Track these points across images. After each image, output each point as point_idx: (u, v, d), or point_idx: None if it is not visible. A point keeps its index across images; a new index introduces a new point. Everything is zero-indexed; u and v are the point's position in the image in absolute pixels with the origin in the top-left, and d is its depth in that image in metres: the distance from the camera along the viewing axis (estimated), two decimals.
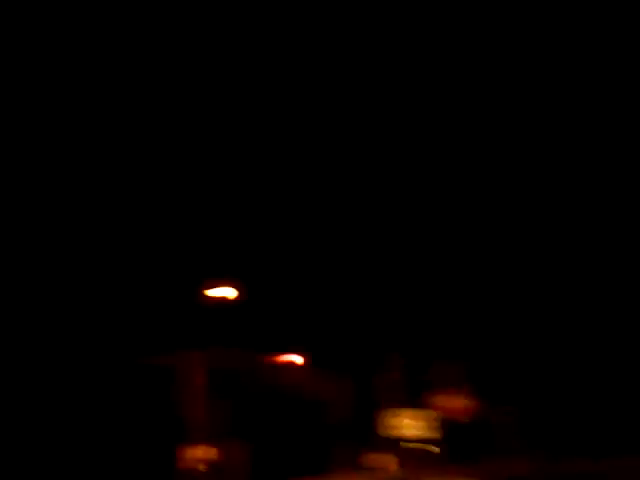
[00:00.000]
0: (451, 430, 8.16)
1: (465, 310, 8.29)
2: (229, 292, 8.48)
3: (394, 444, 8.45)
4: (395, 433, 8.34)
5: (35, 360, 7.88)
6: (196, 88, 6.80)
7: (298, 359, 8.86)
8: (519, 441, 8.11)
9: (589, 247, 7.45)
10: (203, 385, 8.70)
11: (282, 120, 7.03)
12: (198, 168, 7.43)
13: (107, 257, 7.82)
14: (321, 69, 6.73)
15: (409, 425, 8.14)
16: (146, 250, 8.05)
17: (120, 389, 8.42)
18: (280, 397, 8.82)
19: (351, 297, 8.30)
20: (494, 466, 7.54)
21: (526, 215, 7.40)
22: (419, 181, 7.39)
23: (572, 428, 7.87)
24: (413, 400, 8.47)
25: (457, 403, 8.12)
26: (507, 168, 7.12)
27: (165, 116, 7.03)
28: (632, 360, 7.89)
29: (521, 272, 7.86)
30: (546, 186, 7.18)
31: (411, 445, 8.30)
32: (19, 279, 7.61)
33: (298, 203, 7.72)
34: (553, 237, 7.44)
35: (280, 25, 6.57)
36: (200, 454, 8.39)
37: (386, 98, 6.89)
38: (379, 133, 7.11)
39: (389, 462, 8.51)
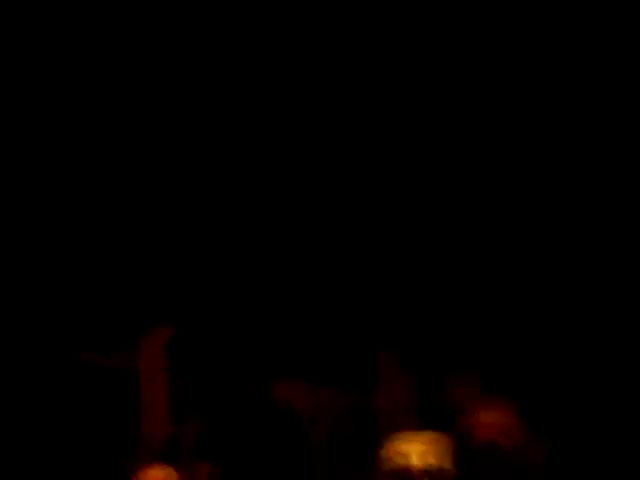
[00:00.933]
0: (476, 460, 6.56)
1: (485, 306, 7.01)
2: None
3: (397, 475, 6.95)
4: (400, 461, 6.83)
5: None
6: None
7: (280, 371, 7.38)
8: None
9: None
10: (164, 395, 7.34)
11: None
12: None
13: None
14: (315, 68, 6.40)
15: (418, 452, 6.62)
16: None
17: (60, 394, 7.17)
18: (257, 414, 7.45)
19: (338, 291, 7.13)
20: None
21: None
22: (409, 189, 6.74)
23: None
24: (424, 420, 6.95)
25: (488, 423, 6.48)
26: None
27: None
28: None
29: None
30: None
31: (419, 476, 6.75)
32: None
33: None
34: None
35: (280, 25, 6.29)
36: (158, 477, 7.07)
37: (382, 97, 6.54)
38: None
39: None
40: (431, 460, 6.52)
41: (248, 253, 6.77)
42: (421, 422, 6.65)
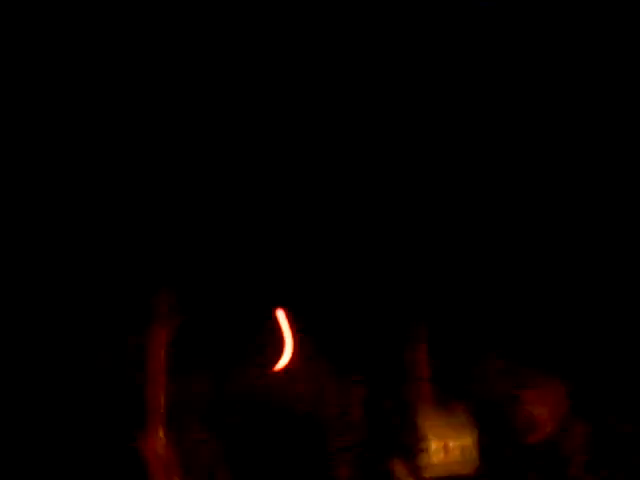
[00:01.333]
0: (512, 451, 6.07)
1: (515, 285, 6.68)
2: None
3: (423, 468, 6.42)
4: (425, 456, 6.30)
5: None
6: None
7: (287, 344, 6.91)
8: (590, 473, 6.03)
9: None
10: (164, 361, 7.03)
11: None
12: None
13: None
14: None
15: (444, 440, 6.12)
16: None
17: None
18: (264, 391, 7.05)
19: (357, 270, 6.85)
20: None
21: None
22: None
23: None
24: (451, 406, 6.42)
25: (533, 409, 6.04)
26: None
27: None
28: None
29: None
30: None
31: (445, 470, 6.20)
32: None
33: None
34: None
35: (280, 25, 6.85)
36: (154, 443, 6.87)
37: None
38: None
39: None
40: (453, 456, 6.20)
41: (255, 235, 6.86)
42: (450, 412, 6.28)
